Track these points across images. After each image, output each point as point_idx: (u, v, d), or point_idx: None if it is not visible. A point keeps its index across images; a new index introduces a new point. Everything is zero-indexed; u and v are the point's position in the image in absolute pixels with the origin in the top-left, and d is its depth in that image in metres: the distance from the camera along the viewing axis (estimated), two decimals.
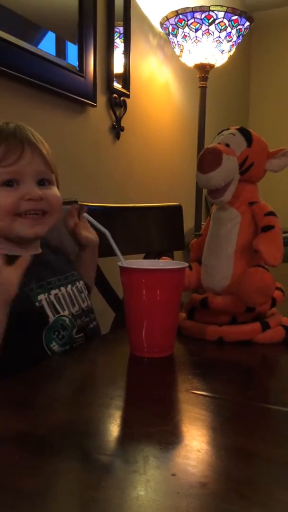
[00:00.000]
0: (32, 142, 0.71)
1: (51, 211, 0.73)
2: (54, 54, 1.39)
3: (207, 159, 0.72)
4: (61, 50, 1.45)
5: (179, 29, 1.79)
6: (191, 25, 1.76)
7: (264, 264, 0.74)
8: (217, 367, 0.66)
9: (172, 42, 1.87)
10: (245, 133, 0.75)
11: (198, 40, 1.80)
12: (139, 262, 0.73)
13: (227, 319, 0.76)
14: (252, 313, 0.76)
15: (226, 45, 1.83)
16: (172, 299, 0.67)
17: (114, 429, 0.46)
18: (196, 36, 1.79)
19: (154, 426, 0.46)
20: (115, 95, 1.68)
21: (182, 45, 1.84)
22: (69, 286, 0.78)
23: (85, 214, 0.81)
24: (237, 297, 0.74)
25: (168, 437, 0.44)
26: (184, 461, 0.40)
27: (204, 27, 1.76)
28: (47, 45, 1.38)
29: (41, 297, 0.71)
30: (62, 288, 0.76)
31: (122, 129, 1.74)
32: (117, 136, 1.73)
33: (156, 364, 0.65)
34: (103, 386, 0.57)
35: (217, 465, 0.40)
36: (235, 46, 1.88)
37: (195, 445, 0.43)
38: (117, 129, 1.72)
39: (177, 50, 1.89)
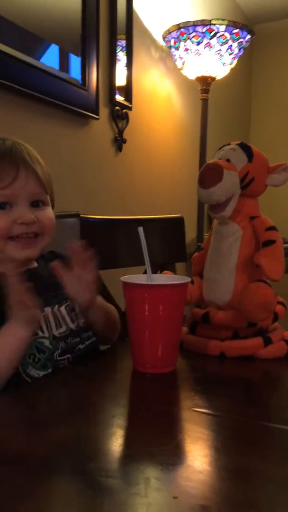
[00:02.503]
0: (27, 163, 0.69)
1: (43, 233, 0.71)
2: (58, 67, 1.41)
3: (208, 175, 0.72)
4: (64, 63, 1.47)
5: (181, 42, 1.81)
6: (193, 38, 1.78)
7: (266, 278, 0.74)
8: (219, 383, 0.65)
9: (174, 55, 1.89)
10: (246, 148, 0.76)
11: (200, 53, 1.81)
12: (141, 277, 0.72)
13: (229, 334, 0.76)
14: (254, 328, 0.76)
15: (227, 58, 1.84)
16: (174, 314, 0.67)
17: (115, 449, 0.45)
18: (197, 49, 1.80)
19: (156, 446, 0.45)
20: (117, 107, 1.69)
21: (184, 58, 1.86)
22: (57, 306, 0.74)
23: (139, 228, 0.70)
24: (239, 312, 0.73)
25: (170, 458, 0.43)
26: (186, 483, 0.39)
27: (205, 40, 1.77)
28: (51, 57, 1.39)
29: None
30: (47, 309, 0.72)
31: (124, 141, 1.75)
32: (119, 148, 1.74)
33: (158, 380, 0.64)
34: (105, 404, 0.56)
35: (219, 487, 0.40)
36: (236, 59, 1.89)
37: (197, 465, 0.42)
38: (119, 141, 1.73)
39: (179, 63, 1.91)
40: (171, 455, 0.44)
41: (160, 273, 1.38)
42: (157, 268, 1.38)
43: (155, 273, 1.36)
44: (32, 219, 0.69)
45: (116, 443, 0.47)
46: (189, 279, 0.69)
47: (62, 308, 0.75)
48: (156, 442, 0.46)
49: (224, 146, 0.78)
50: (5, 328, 0.63)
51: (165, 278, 0.75)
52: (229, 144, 0.78)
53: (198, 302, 0.82)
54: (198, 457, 0.44)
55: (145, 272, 0.72)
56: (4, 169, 0.67)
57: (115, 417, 0.52)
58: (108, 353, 0.82)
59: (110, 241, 1.26)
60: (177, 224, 1.48)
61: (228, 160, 0.75)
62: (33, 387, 0.64)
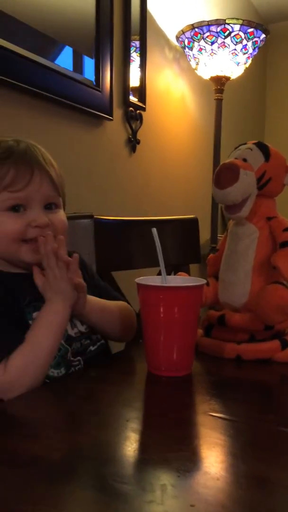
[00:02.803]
0: (42, 166, 0.69)
1: (56, 236, 0.70)
2: (71, 68, 1.41)
3: (224, 175, 0.71)
4: (78, 65, 1.47)
5: (195, 42, 1.80)
6: (207, 38, 1.77)
7: (283, 280, 0.72)
8: (236, 387, 0.64)
9: (188, 55, 1.88)
10: (263, 148, 0.74)
11: (214, 53, 1.80)
12: (156, 279, 0.72)
13: (245, 336, 0.75)
14: (271, 330, 0.74)
15: (242, 58, 1.83)
16: (190, 317, 0.66)
17: (130, 454, 0.45)
18: (212, 49, 1.79)
19: (172, 451, 0.45)
20: (131, 108, 1.68)
21: (198, 58, 1.85)
22: None
23: (153, 229, 0.70)
24: (256, 315, 0.72)
25: (186, 464, 0.43)
26: (203, 490, 0.38)
27: (220, 40, 1.76)
28: (65, 59, 1.39)
29: (36, 314, 0.68)
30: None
31: (138, 142, 1.74)
32: (133, 149, 1.73)
33: (173, 383, 0.63)
34: (119, 407, 0.56)
35: (237, 494, 0.39)
36: (251, 58, 1.88)
37: (214, 472, 0.41)
38: (133, 142, 1.72)
39: (193, 63, 1.90)
40: (187, 461, 0.43)
41: (174, 274, 1.37)
42: (171, 269, 1.37)
43: (169, 274, 1.36)
44: (46, 222, 0.68)
45: (131, 448, 0.46)
46: (204, 281, 0.68)
47: None
48: (172, 448, 0.45)
49: (240, 145, 0.77)
50: (46, 310, 0.66)
51: (180, 280, 0.74)
52: (245, 144, 0.76)
53: (213, 304, 0.81)
54: (215, 463, 0.43)
55: (159, 274, 0.71)
56: (19, 171, 0.67)
57: (129, 421, 0.51)
58: (121, 355, 0.81)
59: (124, 242, 1.25)
60: (191, 225, 1.47)
61: (244, 160, 0.73)
62: (47, 389, 0.63)
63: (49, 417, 0.53)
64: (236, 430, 0.50)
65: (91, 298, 0.74)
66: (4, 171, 0.66)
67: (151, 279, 0.71)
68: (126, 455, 0.45)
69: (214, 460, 0.44)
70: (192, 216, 1.48)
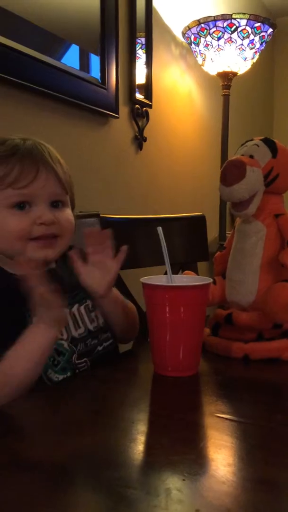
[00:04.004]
0: (47, 163, 0.68)
1: (62, 235, 0.70)
2: (78, 66, 1.40)
3: (231, 172, 0.70)
4: (84, 62, 1.46)
5: (201, 38, 1.78)
6: (213, 34, 1.75)
7: None
8: (243, 387, 0.63)
9: (195, 51, 1.86)
10: (270, 144, 0.73)
11: (221, 49, 1.78)
12: (162, 278, 0.71)
13: (253, 335, 0.74)
14: (279, 329, 0.73)
15: (249, 53, 1.81)
16: (196, 316, 0.65)
17: (135, 457, 0.44)
18: (218, 45, 1.77)
19: (178, 454, 0.44)
20: (137, 105, 1.67)
21: (205, 54, 1.83)
22: (76, 305, 0.73)
23: (158, 228, 0.69)
24: (263, 313, 0.71)
25: (192, 467, 0.42)
26: (208, 494, 0.38)
27: (226, 35, 1.74)
28: (71, 57, 1.39)
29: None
30: (66, 309, 0.71)
31: (145, 139, 1.73)
32: (140, 147, 1.72)
33: (180, 384, 0.63)
34: (125, 409, 0.55)
35: (243, 498, 0.38)
36: (258, 53, 1.85)
37: (220, 476, 0.40)
38: (139, 140, 1.71)
39: (199, 59, 1.88)
40: (193, 464, 0.42)
41: (181, 272, 1.37)
42: (179, 267, 1.36)
43: (177, 272, 1.35)
44: (51, 219, 0.68)
45: (136, 450, 0.45)
46: (210, 280, 0.67)
47: (82, 308, 0.74)
48: (178, 450, 0.45)
49: (247, 141, 0.76)
50: (32, 330, 0.62)
51: (186, 279, 0.73)
52: (252, 140, 0.75)
53: (221, 303, 0.80)
54: (221, 466, 0.42)
55: (166, 273, 0.70)
56: (24, 168, 0.66)
57: (134, 423, 0.51)
58: (128, 355, 0.81)
59: (131, 241, 1.24)
60: (199, 222, 1.45)
61: (251, 156, 0.72)
62: (52, 391, 0.63)
63: (53, 419, 0.52)
64: (243, 432, 0.49)
65: (112, 289, 0.74)
66: (9, 168, 0.66)
67: (157, 278, 0.70)
68: (131, 458, 0.44)
69: (220, 463, 0.43)
70: (199, 213, 1.47)
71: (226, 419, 0.51)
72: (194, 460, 0.43)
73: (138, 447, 0.46)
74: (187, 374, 0.65)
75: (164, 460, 0.43)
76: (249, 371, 0.69)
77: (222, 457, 0.44)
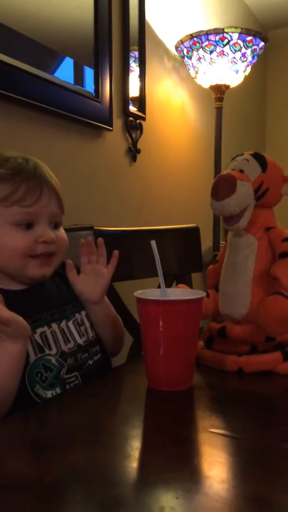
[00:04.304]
0: (50, 184, 0.70)
1: (58, 253, 0.73)
2: (72, 79, 1.41)
3: (221, 186, 0.70)
4: (78, 75, 1.47)
5: (194, 51, 1.80)
6: (206, 47, 1.77)
7: (283, 291, 0.71)
8: (237, 401, 0.63)
9: (187, 64, 1.88)
10: (259, 158, 0.74)
11: (213, 62, 1.80)
12: (155, 292, 0.71)
13: (247, 348, 0.74)
14: (272, 342, 0.73)
15: (241, 66, 1.83)
16: (190, 330, 0.65)
17: (128, 475, 0.44)
18: (211, 58, 1.79)
19: (171, 471, 0.44)
20: (131, 118, 1.69)
21: (197, 67, 1.85)
22: (64, 321, 0.73)
23: (152, 242, 0.70)
24: (257, 326, 0.71)
25: (186, 484, 0.42)
26: None
27: (218, 49, 1.76)
28: (65, 70, 1.40)
29: (37, 330, 0.68)
30: (54, 325, 0.71)
31: (139, 152, 1.74)
32: (134, 159, 1.74)
33: (174, 398, 0.63)
34: (118, 425, 0.55)
35: None
36: (250, 66, 1.88)
37: (214, 493, 0.40)
38: (133, 152, 1.72)
39: (192, 72, 1.90)
40: (187, 481, 0.42)
41: (176, 284, 1.37)
42: (173, 278, 1.36)
43: (171, 284, 1.35)
44: (52, 238, 0.70)
45: (129, 468, 0.45)
46: (204, 294, 0.67)
47: (70, 323, 0.75)
48: (172, 468, 0.44)
49: (237, 156, 0.76)
50: None
51: (179, 293, 0.73)
52: (242, 155, 0.76)
53: (214, 316, 0.81)
54: (215, 483, 0.42)
55: (159, 286, 0.70)
56: (30, 188, 0.68)
57: (128, 439, 0.51)
58: (121, 370, 0.81)
59: (125, 253, 1.24)
60: (193, 234, 1.46)
61: (241, 171, 0.73)
62: (42, 407, 0.63)
63: (45, 436, 0.52)
64: (237, 447, 0.49)
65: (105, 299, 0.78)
66: (16, 186, 0.67)
67: (150, 292, 0.70)
68: (125, 476, 0.44)
69: (214, 480, 0.43)
70: (193, 225, 1.48)
71: (220, 434, 0.51)
72: (188, 477, 0.43)
73: (132, 464, 0.46)
74: (181, 388, 0.65)
75: (158, 477, 0.43)
76: (243, 385, 0.69)
77: (215, 474, 0.44)
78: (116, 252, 0.79)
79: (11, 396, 0.61)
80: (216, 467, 0.45)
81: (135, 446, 0.50)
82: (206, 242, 1.95)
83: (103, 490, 0.41)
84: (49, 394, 0.67)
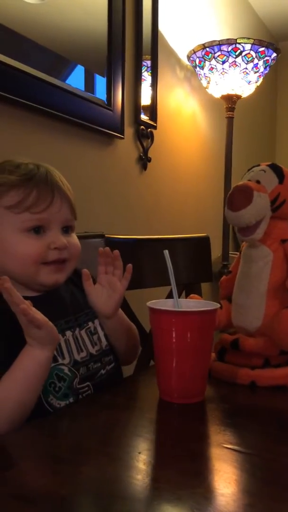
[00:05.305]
0: (61, 189, 0.70)
1: (71, 259, 0.71)
2: (83, 87, 1.42)
3: (237, 197, 0.70)
4: (89, 84, 1.48)
5: (206, 61, 1.81)
6: (218, 58, 1.78)
7: None
8: (250, 416, 0.62)
9: (199, 74, 1.89)
10: (276, 170, 0.73)
11: (225, 72, 1.80)
12: (168, 302, 0.70)
13: (260, 361, 0.73)
14: (286, 355, 0.72)
15: (253, 76, 1.83)
16: (203, 342, 0.64)
17: (141, 490, 0.43)
18: (223, 68, 1.80)
19: (185, 487, 0.43)
20: (142, 126, 1.69)
21: (209, 77, 1.86)
22: (77, 329, 0.72)
23: (165, 251, 0.70)
24: (270, 339, 0.70)
25: (200, 502, 0.41)
26: None
27: (231, 59, 1.77)
28: (77, 78, 1.41)
29: None
30: (68, 332, 0.71)
31: (149, 160, 1.75)
32: (144, 167, 1.74)
33: (186, 411, 0.62)
34: (130, 438, 0.54)
35: None
36: (262, 77, 1.88)
37: None
38: (144, 160, 1.73)
39: (204, 82, 1.90)
40: (201, 498, 0.41)
41: (185, 294, 1.36)
42: (182, 288, 1.35)
43: (181, 293, 1.34)
44: (65, 244, 0.69)
45: (142, 483, 0.44)
46: (218, 305, 0.67)
47: (83, 332, 0.74)
48: (186, 484, 0.43)
49: (253, 167, 0.76)
50: (22, 352, 0.61)
51: (193, 304, 0.72)
52: (258, 165, 0.75)
53: (227, 327, 0.80)
54: (230, 501, 0.41)
55: (170, 293, 0.69)
56: (41, 193, 0.68)
57: (141, 453, 0.50)
58: (132, 380, 0.80)
59: (135, 262, 1.23)
60: (203, 243, 1.45)
61: (258, 182, 0.72)
62: (54, 418, 0.62)
63: (56, 449, 0.51)
64: (252, 464, 0.48)
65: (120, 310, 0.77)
66: (27, 193, 0.67)
67: (163, 302, 0.70)
68: (137, 491, 0.43)
69: (229, 498, 0.42)
70: (203, 234, 1.47)
71: (234, 450, 0.50)
72: (202, 494, 0.42)
73: (144, 479, 0.45)
74: (193, 401, 0.64)
75: (172, 494, 0.42)
76: (256, 399, 0.68)
77: (230, 492, 0.43)
78: (129, 266, 0.77)
79: (32, 404, 0.60)
80: (231, 485, 0.44)
81: (147, 460, 0.49)
82: (215, 252, 1.94)
83: (116, 505, 0.40)
84: (62, 404, 0.66)
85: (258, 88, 1.94)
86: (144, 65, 1.69)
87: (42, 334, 0.60)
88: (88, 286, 0.76)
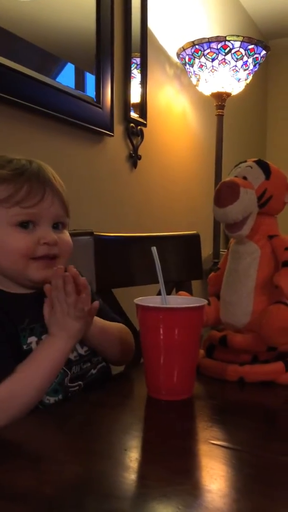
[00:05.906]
0: (53, 185, 0.69)
1: (61, 256, 0.70)
2: (73, 85, 1.41)
3: (224, 193, 0.70)
4: (80, 81, 1.47)
5: (196, 59, 1.81)
6: (208, 55, 1.78)
7: (286, 300, 0.71)
8: (238, 412, 0.62)
9: (189, 71, 1.89)
10: (263, 166, 0.73)
11: (215, 70, 1.80)
12: (156, 299, 0.70)
13: (248, 357, 0.73)
14: (274, 351, 0.72)
15: (242, 74, 1.83)
16: (191, 338, 0.64)
17: (128, 488, 0.43)
18: (212, 66, 1.80)
19: (172, 484, 0.43)
20: (132, 124, 1.69)
21: (199, 75, 1.85)
22: None
23: (153, 248, 0.69)
24: (258, 335, 0.70)
25: (187, 499, 0.41)
26: None
27: (220, 57, 1.77)
28: (67, 75, 1.40)
29: (31, 339, 0.66)
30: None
31: (139, 158, 1.74)
32: (134, 165, 1.73)
33: (174, 408, 0.61)
34: (117, 435, 0.54)
35: None
36: (251, 74, 1.88)
37: (216, 508, 0.39)
38: (134, 158, 1.72)
39: (193, 80, 1.90)
40: (188, 495, 0.41)
41: (176, 291, 1.35)
42: (173, 285, 1.35)
43: (171, 291, 1.34)
44: (54, 240, 0.68)
45: (128, 480, 0.44)
46: (205, 302, 0.66)
47: None
48: (172, 481, 0.43)
49: (240, 163, 0.76)
50: (45, 343, 0.64)
51: (180, 300, 0.72)
52: (245, 161, 0.75)
53: (215, 324, 0.79)
54: (217, 498, 0.41)
55: (159, 293, 0.69)
56: (32, 188, 0.67)
57: (127, 450, 0.49)
58: (121, 378, 0.79)
59: (125, 259, 1.24)
60: (193, 241, 1.45)
61: (245, 178, 0.72)
62: (42, 416, 0.61)
63: (44, 446, 0.51)
64: (239, 460, 0.48)
65: (94, 319, 0.71)
66: (18, 187, 0.66)
67: (150, 299, 0.69)
68: (124, 489, 0.42)
69: (216, 494, 0.42)
70: (194, 232, 1.47)
71: (221, 446, 0.50)
72: (189, 491, 0.42)
73: (131, 476, 0.45)
74: (182, 397, 0.64)
75: (158, 491, 0.42)
76: (244, 395, 0.68)
77: (217, 488, 0.43)
78: (96, 304, 0.68)
79: (43, 393, 0.63)
80: (218, 481, 0.44)
81: (134, 457, 0.48)
82: (206, 249, 1.94)
83: (101, 503, 0.40)
84: (52, 400, 0.66)
85: (247, 85, 1.94)
86: (133, 63, 1.68)
87: (78, 327, 0.64)
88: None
